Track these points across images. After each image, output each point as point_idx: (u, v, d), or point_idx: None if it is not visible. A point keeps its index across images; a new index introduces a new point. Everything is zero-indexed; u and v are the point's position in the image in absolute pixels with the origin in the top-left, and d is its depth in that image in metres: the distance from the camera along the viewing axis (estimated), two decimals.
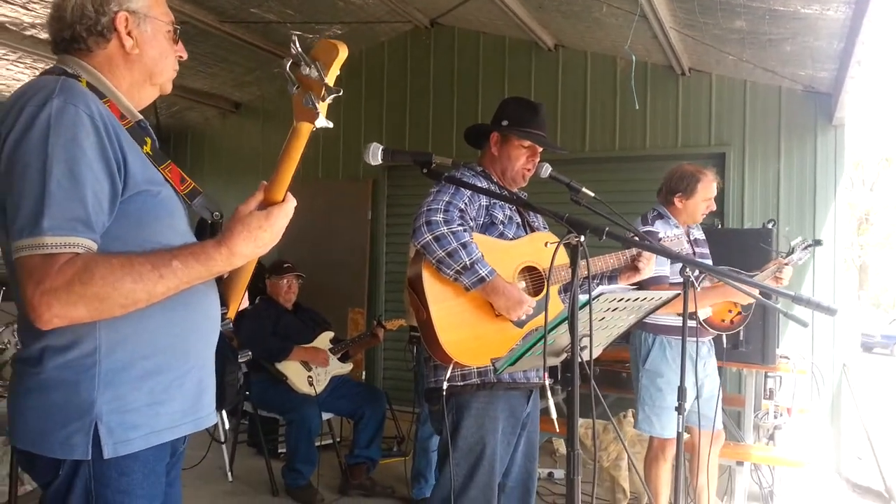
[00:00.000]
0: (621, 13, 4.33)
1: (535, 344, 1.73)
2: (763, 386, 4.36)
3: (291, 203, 1.29)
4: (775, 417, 4.08)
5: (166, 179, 1.34)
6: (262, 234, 1.24)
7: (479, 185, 2.34)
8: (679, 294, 1.93)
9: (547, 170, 2.39)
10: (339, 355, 4.19)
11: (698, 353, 2.94)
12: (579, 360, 1.87)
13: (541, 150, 2.42)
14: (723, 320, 3.05)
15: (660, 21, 4.16)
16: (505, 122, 2.36)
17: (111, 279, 1.14)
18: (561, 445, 4.43)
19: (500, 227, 2.34)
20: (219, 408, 1.48)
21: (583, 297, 1.65)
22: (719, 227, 4.43)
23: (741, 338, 3.71)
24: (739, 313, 3.03)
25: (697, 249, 3.17)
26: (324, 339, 4.20)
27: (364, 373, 5.91)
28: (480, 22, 5.75)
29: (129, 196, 1.24)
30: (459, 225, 2.15)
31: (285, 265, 4.33)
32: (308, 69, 1.14)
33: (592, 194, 2.37)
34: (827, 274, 4.82)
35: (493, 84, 5.89)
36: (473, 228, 2.23)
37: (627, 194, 5.38)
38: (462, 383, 2.29)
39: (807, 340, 4.85)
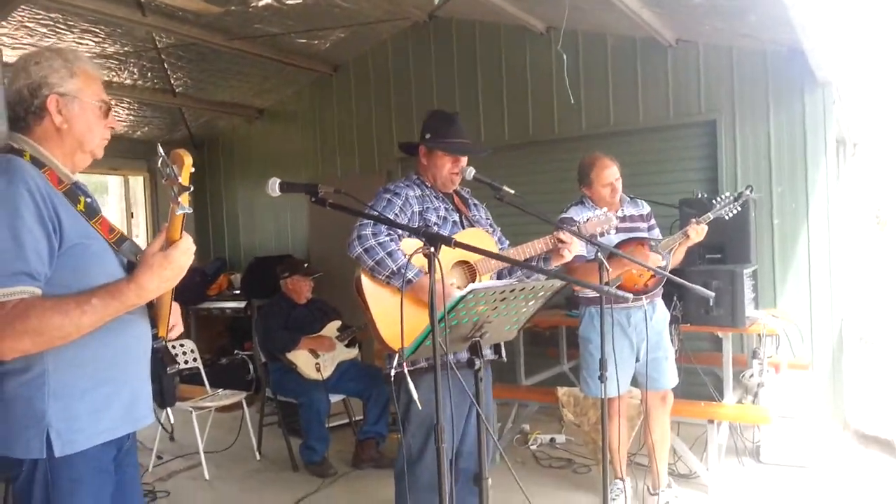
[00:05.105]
0: None
1: (426, 336, 2.05)
2: (751, 345, 4.55)
3: (187, 240, 1.57)
4: (760, 376, 4.26)
5: (98, 232, 1.65)
6: (163, 271, 1.52)
7: (413, 192, 2.68)
8: (565, 285, 2.19)
9: (471, 173, 2.69)
10: (345, 342, 4.62)
11: (629, 320, 3.22)
12: (479, 342, 2.21)
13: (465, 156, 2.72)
14: (635, 285, 3.28)
15: (624, 3, 4.31)
16: (427, 136, 2.67)
17: (44, 317, 1.46)
18: (567, 413, 4.72)
19: (435, 228, 2.65)
20: (164, 405, 1.86)
21: (458, 294, 1.97)
22: (700, 196, 4.56)
23: (711, 303, 3.91)
24: (652, 276, 3.26)
25: (625, 225, 3.39)
26: (331, 328, 4.63)
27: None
28: (475, 12, 5.97)
29: (66, 249, 1.55)
30: (387, 236, 2.49)
31: (294, 264, 4.78)
32: (169, 170, 1.46)
33: (513, 192, 2.67)
34: (821, 229, 4.89)
35: (490, 70, 6.13)
36: (402, 237, 2.55)
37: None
38: (412, 368, 2.63)
39: (805, 298, 4.96)
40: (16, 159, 1.57)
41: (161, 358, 1.82)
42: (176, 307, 1.85)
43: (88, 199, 1.68)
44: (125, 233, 1.77)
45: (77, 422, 1.59)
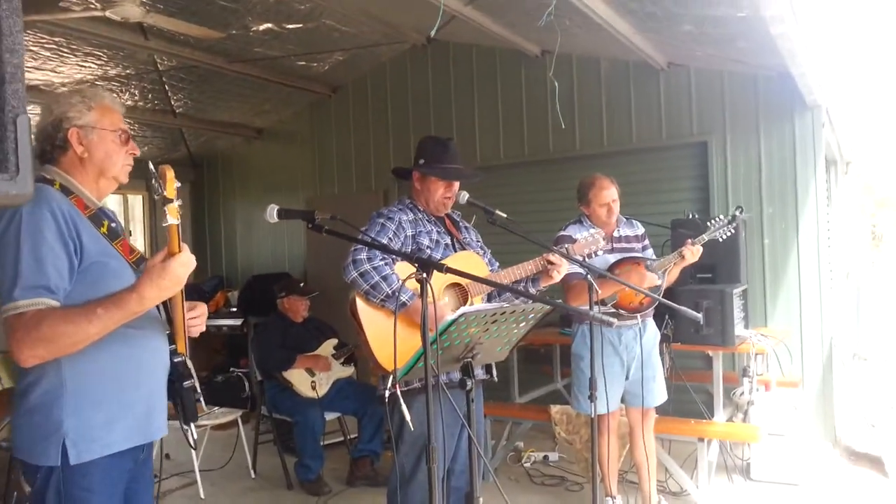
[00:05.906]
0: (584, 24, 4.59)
1: (419, 358, 2.11)
2: (742, 364, 4.61)
3: (186, 253, 1.65)
4: (750, 394, 4.32)
5: (118, 252, 1.79)
6: (161, 281, 1.61)
7: (406, 216, 2.75)
8: (553, 308, 2.26)
9: (465, 197, 2.77)
10: (341, 360, 4.67)
11: (620, 339, 3.27)
12: (471, 362, 2.27)
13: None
14: (631, 302, 3.35)
15: (615, 29, 4.41)
16: (422, 161, 2.74)
17: (54, 326, 1.57)
18: (562, 431, 4.77)
19: (428, 251, 2.72)
20: (187, 421, 1.93)
21: (449, 318, 2.04)
22: (691, 217, 4.64)
23: (701, 323, 3.97)
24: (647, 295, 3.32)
25: (620, 245, 3.46)
26: (327, 347, 4.68)
27: None
28: (472, 36, 6.09)
29: (86, 266, 1.69)
30: (381, 260, 2.55)
31: (291, 284, 4.84)
32: (156, 184, 1.58)
33: (505, 216, 2.74)
34: (811, 249, 4.97)
35: (486, 92, 6.23)
36: (396, 261, 2.61)
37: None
38: (406, 388, 2.69)
39: (795, 317, 5.02)
40: (45, 187, 1.72)
41: (181, 373, 1.89)
42: (203, 307, 1.96)
43: (112, 224, 1.84)
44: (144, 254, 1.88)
45: (91, 431, 1.69)
